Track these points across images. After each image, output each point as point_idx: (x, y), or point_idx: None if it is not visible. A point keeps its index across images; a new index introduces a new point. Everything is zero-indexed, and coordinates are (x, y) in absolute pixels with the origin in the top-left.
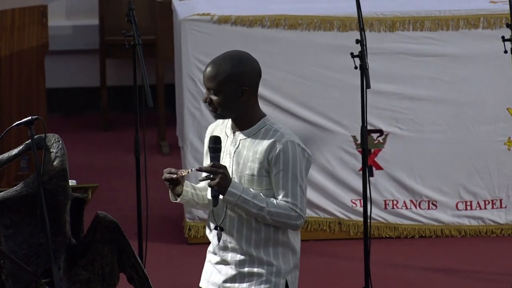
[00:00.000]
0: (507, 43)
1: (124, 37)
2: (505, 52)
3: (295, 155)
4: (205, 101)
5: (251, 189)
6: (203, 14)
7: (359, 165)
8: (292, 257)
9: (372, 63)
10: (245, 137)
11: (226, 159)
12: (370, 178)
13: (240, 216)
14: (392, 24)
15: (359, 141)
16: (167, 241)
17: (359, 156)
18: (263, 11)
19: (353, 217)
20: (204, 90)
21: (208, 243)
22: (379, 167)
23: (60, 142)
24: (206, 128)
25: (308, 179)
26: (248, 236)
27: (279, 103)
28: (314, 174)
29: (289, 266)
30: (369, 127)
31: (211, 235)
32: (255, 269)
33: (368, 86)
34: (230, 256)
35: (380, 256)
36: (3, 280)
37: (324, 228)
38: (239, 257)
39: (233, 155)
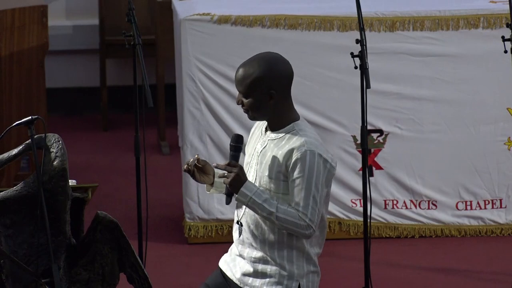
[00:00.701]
0: (507, 43)
1: (124, 37)
2: (505, 52)
3: (312, 165)
4: (238, 103)
5: (265, 192)
6: (203, 14)
7: (359, 165)
8: (307, 263)
9: (372, 63)
10: (272, 138)
11: (254, 156)
12: (370, 178)
13: (258, 216)
14: (392, 24)
15: (359, 141)
16: (167, 241)
17: (359, 156)
18: (263, 11)
19: (353, 217)
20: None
21: (208, 242)
22: (379, 167)
23: (60, 142)
24: (206, 128)
25: None
26: (263, 235)
27: None
28: None
29: (303, 271)
30: (369, 127)
31: (234, 228)
32: (268, 269)
33: (368, 86)
34: (246, 252)
35: (380, 256)
36: (3, 280)
37: None
38: (254, 254)
39: (259, 154)
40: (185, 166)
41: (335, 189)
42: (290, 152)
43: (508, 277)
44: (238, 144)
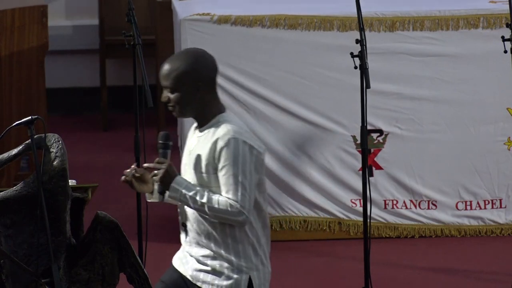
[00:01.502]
0: (507, 43)
1: (124, 37)
2: (505, 52)
3: (237, 153)
4: (163, 100)
5: (196, 185)
6: (203, 14)
7: (359, 165)
8: (254, 256)
9: (372, 63)
10: (200, 134)
11: (186, 156)
12: (370, 178)
13: (194, 212)
14: (392, 24)
15: (359, 141)
16: (167, 241)
17: (359, 156)
18: (263, 11)
19: (353, 217)
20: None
21: None
22: (379, 167)
23: (60, 142)
24: None
25: (308, 179)
26: (207, 232)
27: (279, 103)
28: (314, 174)
29: (251, 263)
30: (369, 127)
31: (181, 230)
32: (217, 265)
33: (368, 86)
34: (194, 251)
35: (380, 256)
36: (3, 280)
37: (324, 228)
38: (202, 252)
39: (190, 153)
40: (123, 178)
41: (335, 189)
42: (215, 143)
43: (508, 277)
44: (166, 142)
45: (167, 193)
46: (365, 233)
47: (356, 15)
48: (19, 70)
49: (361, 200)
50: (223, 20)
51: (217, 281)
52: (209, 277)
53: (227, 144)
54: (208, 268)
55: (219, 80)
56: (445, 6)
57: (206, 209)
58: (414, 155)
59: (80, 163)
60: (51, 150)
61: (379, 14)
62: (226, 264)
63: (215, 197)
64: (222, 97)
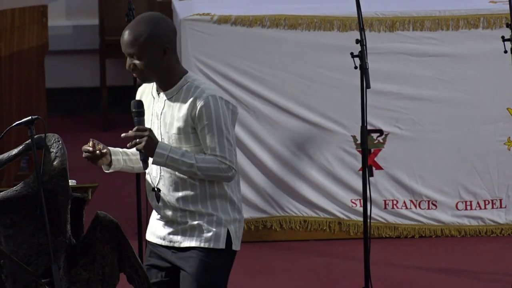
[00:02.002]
0: (507, 43)
1: None
2: (505, 52)
3: (217, 109)
4: (128, 68)
5: (179, 148)
6: (203, 14)
7: (359, 165)
8: (231, 209)
9: (372, 63)
10: (169, 97)
11: (154, 121)
12: (370, 178)
13: (173, 176)
14: (392, 24)
15: (359, 141)
16: None
17: (359, 156)
18: (263, 11)
19: (353, 217)
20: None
21: None
22: (379, 167)
23: (60, 142)
24: None
25: (308, 179)
26: (184, 194)
27: (279, 103)
28: (314, 174)
29: (230, 217)
30: (369, 127)
31: (150, 196)
32: (196, 223)
33: (368, 86)
34: (170, 214)
35: (380, 256)
36: (3, 280)
37: (324, 228)
38: (179, 214)
39: (160, 116)
40: (84, 154)
41: (335, 189)
42: (193, 102)
43: (508, 277)
44: (140, 109)
45: (150, 160)
46: (365, 233)
47: (356, 15)
48: (19, 70)
49: (361, 200)
50: (223, 20)
51: (197, 237)
52: (187, 237)
53: (206, 103)
54: (186, 229)
55: (219, 80)
56: (445, 6)
57: (196, 169)
58: (414, 155)
59: (80, 163)
60: (51, 150)
61: (379, 14)
62: (205, 219)
63: (202, 157)
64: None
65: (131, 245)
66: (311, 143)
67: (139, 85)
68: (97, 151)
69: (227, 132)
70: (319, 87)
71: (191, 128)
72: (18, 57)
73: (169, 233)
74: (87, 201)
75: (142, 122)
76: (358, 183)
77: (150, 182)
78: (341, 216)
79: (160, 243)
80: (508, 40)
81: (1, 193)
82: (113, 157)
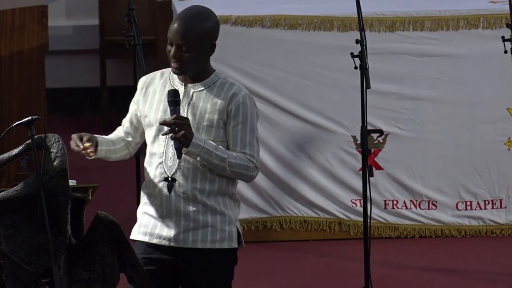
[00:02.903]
0: (507, 43)
1: (124, 37)
2: (505, 52)
3: (252, 109)
4: (174, 57)
5: (210, 141)
6: None
7: (359, 165)
8: (236, 208)
9: (372, 63)
10: (200, 89)
11: (177, 112)
12: (370, 178)
13: (194, 167)
14: (392, 24)
15: (359, 141)
16: None
17: (359, 156)
18: (263, 11)
19: (353, 217)
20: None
21: None
22: (379, 167)
23: (60, 142)
24: None
25: (308, 179)
26: (202, 186)
27: (279, 103)
28: (314, 174)
29: (236, 215)
30: (369, 127)
31: (158, 187)
32: (210, 219)
33: (368, 86)
34: (182, 207)
35: (380, 256)
36: (3, 280)
37: (324, 228)
38: (192, 207)
39: (188, 107)
40: (83, 152)
41: (335, 189)
42: (232, 97)
43: (508, 277)
44: (176, 98)
45: (184, 150)
46: (365, 233)
47: (356, 15)
48: (19, 70)
49: (361, 200)
50: (223, 20)
51: (210, 235)
52: (199, 234)
53: (244, 101)
54: (199, 224)
55: None
56: (445, 6)
57: (227, 164)
58: (414, 155)
59: (80, 163)
60: (51, 150)
61: (379, 14)
62: (218, 218)
63: (232, 153)
64: None
65: (131, 245)
66: (311, 143)
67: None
68: (83, 151)
69: (257, 133)
70: (319, 87)
71: (223, 123)
72: (18, 57)
73: (178, 232)
74: (87, 201)
75: (178, 111)
76: (358, 183)
77: (164, 171)
78: (341, 216)
79: (163, 244)
80: (508, 40)
81: (1, 193)
82: (98, 148)
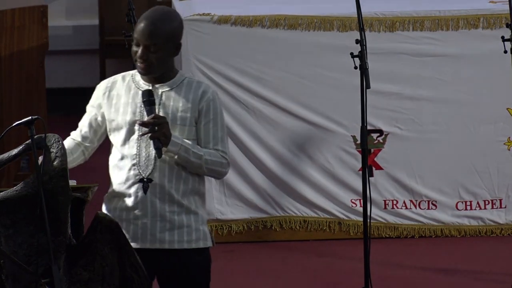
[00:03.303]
0: (507, 43)
1: (124, 37)
2: (505, 52)
3: (220, 105)
4: (141, 58)
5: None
6: (203, 14)
7: (359, 165)
8: (204, 207)
9: (372, 63)
10: (168, 89)
11: (144, 112)
12: (370, 178)
13: (170, 166)
14: (392, 24)
15: (359, 141)
16: None
17: (359, 156)
18: (263, 11)
19: (353, 217)
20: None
21: None
22: (379, 167)
23: (60, 142)
24: None
25: (308, 179)
26: (177, 185)
27: (279, 103)
28: (314, 174)
29: (206, 215)
30: (369, 127)
31: (132, 189)
32: (185, 219)
33: (368, 86)
34: (159, 208)
35: (380, 256)
36: (3, 280)
37: (324, 228)
38: (168, 207)
39: (159, 108)
40: None
41: (335, 189)
42: (202, 94)
43: (508, 277)
44: (151, 98)
45: (163, 149)
46: (365, 233)
47: (356, 15)
48: (19, 70)
49: (361, 200)
50: (223, 20)
51: (187, 236)
52: (176, 235)
53: (214, 98)
54: (175, 224)
55: (219, 80)
56: (445, 6)
57: (203, 161)
58: (414, 155)
59: (80, 163)
60: (51, 150)
61: (379, 14)
62: (192, 217)
63: (207, 150)
64: (222, 97)
65: (131, 245)
66: (311, 143)
67: None
68: None
69: (225, 129)
70: (319, 87)
71: (195, 120)
72: (18, 57)
73: (155, 234)
74: (87, 201)
75: (154, 110)
76: (358, 183)
77: (138, 172)
78: (341, 216)
79: (139, 247)
80: (508, 40)
81: (1, 193)
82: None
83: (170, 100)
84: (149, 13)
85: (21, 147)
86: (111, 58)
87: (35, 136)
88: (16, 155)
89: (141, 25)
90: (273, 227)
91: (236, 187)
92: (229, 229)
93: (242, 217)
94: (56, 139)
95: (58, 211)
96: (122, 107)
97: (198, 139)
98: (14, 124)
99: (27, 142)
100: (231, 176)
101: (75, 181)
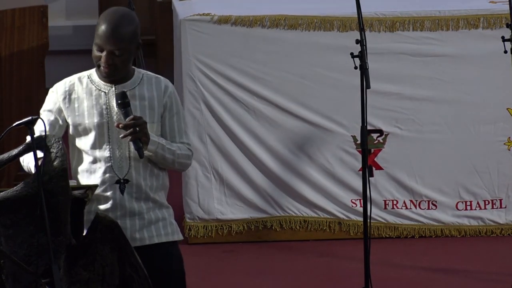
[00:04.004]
0: (507, 43)
1: None
2: (505, 52)
3: (179, 99)
4: (107, 63)
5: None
6: (203, 14)
7: (359, 165)
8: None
9: (372, 63)
10: (130, 88)
11: (111, 113)
12: (370, 178)
13: (144, 164)
14: (392, 24)
15: (359, 141)
16: None
17: (359, 156)
18: (263, 11)
19: (353, 217)
20: (102, 53)
21: (208, 243)
22: (379, 167)
23: (60, 142)
24: (206, 128)
25: (308, 179)
26: (151, 182)
27: (279, 103)
28: (314, 174)
29: (171, 208)
30: (369, 127)
31: (108, 191)
32: (159, 214)
33: (368, 86)
34: (136, 206)
35: (380, 256)
36: (3, 280)
37: (324, 228)
38: (144, 204)
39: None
40: None
41: (335, 189)
42: (164, 90)
43: (508, 277)
44: (126, 100)
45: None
46: (365, 233)
47: (356, 15)
48: (19, 70)
49: (361, 200)
50: (223, 20)
51: (163, 229)
52: (153, 230)
53: (174, 91)
54: (152, 220)
55: (219, 80)
56: (445, 6)
57: (176, 157)
58: (414, 155)
59: None
60: (51, 150)
61: (379, 14)
62: (164, 211)
63: (176, 144)
64: (223, 97)
65: (131, 245)
66: (311, 143)
67: None
68: None
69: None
70: (319, 87)
71: (161, 116)
72: (18, 57)
73: (135, 232)
74: (87, 201)
75: (130, 112)
76: (358, 183)
77: (114, 174)
78: (341, 216)
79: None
80: (508, 40)
81: (1, 193)
82: None
83: (135, 99)
84: (107, 16)
85: (21, 147)
86: None
87: (35, 136)
88: (16, 155)
89: (102, 30)
90: (273, 227)
91: (236, 187)
92: (229, 229)
93: (242, 217)
94: (56, 139)
95: (58, 211)
96: (87, 111)
97: (162, 133)
98: (14, 124)
99: (27, 142)
100: (231, 176)
101: (75, 181)
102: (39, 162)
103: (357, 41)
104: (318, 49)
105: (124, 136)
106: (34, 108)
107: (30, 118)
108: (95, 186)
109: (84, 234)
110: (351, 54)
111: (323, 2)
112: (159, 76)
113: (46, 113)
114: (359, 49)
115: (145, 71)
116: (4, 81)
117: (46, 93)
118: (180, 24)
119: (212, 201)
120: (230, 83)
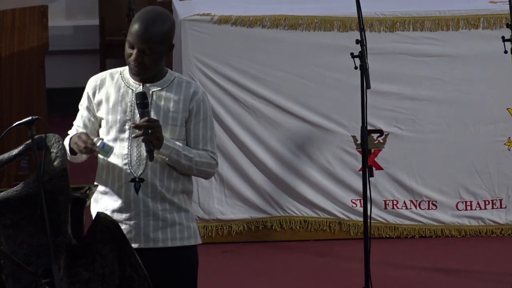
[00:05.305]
0: (507, 43)
1: (124, 37)
2: (505, 52)
3: (210, 106)
4: (136, 61)
5: (175, 140)
6: (203, 14)
7: (359, 165)
8: (191, 205)
9: (372, 63)
10: (158, 88)
11: (135, 111)
12: (370, 178)
13: (162, 165)
14: (392, 24)
15: (359, 141)
16: None
17: (359, 156)
18: (263, 11)
19: (353, 217)
20: (133, 51)
21: (208, 243)
22: (379, 167)
23: (61, 142)
24: None
25: (308, 179)
26: (168, 184)
27: (279, 103)
28: (314, 174)
29: (193, 211)
30: (369, 127)
31: (123, 189)
32: (177, 217)
33: (368, 86)
34: (151, 207)
35: (380, 256)
36: (3, 280)
37: (324, 228)
38: (160, 205)
39: (150, 107)
40: (85, 149)
41: (335, 189)
42: (193, 95)
43: (508, 277)
44: (145, 101)
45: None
46: (365, 233)
47: (356, 15)
48: (19, 70)
49: (361, 200)
50: (223, 20)
51: (179, 233)
52: (169, 233)
53: (204, 98)
54: (168, 222)
55: (220, 80)
56: (445, 6)
57: (194, 163)
58: (414, 155)
59: (80, 163)
60: (52, 150)
61: (379, 14)
62: (183, 215)
63: (196, 151)
64: (222, 97)
65: (131, 245)
66: (311, 143)
67: None
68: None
69: (214, 129)
70: (319, 87)
71: (185, 121)
72: (19, 57)
73: (148, 233)
74: (87, 201)
75: (147, 113)
76: (358, 183)
77: (130, 172)
78: (341, 216)
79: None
80: (508, 40)
81: (1, 193)
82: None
83: (161, 100)
84: (142, 15)
85: (21, 147)
86: (111, 58)
87: (36, 136)
88: (16, 155)
89: (136, 29)
90: (273, 227)
91: (236, 187)
92: (229, 229)
93: (242, 217)
94: (57, 139)
95: (58, 211)
96: (112, 106)
97: (187, 139)
98: (14, 124)
99: (27, 142)
100: (231, 176)
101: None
102: (37, 160)
103: (357, 41)
104: (318, 49)
105: (136, 136)
106: (34, 108)
107: (30, 118)
108: (95, 186)
109: (84, 234)
110: (351, 54)
111: (323, 2)
112: (191, 81)
113: (81, 109)
114: (359, 49)
115: (178, 74)
116: (4, 81)
117: (46, 93)
118: (180, 24)
119: (212, 201)
120: (230, 83)
